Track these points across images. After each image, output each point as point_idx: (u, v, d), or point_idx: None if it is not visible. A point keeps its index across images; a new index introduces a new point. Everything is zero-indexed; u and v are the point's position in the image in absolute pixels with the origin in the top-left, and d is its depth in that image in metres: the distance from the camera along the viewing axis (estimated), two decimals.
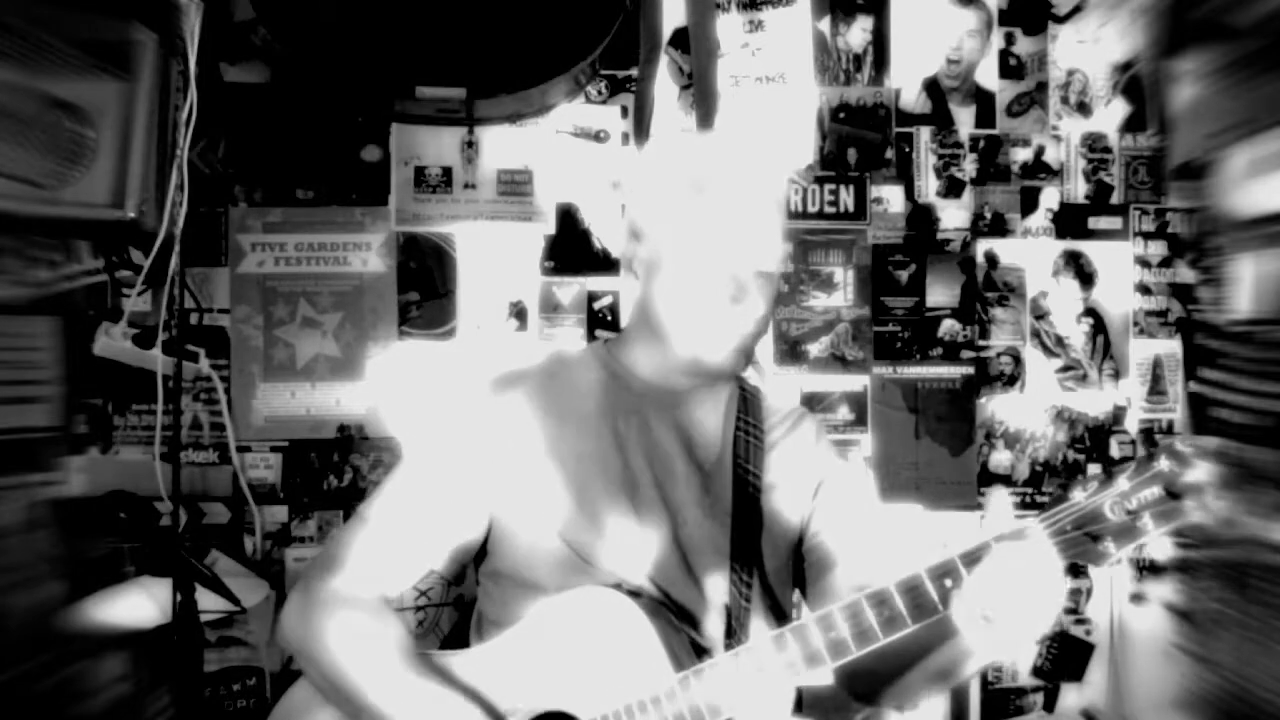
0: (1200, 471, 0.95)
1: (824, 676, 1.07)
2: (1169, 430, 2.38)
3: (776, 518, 1.26)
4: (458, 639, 1.32)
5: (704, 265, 1.17)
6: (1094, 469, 2.38)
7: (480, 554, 1.25)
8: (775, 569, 1.25)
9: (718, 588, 1.20)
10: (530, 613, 1.13)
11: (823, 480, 1.29)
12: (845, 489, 1.31)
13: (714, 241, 1.16)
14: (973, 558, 0.98)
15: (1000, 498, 2.36)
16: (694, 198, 1.17)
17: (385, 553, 1.17)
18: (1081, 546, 0.97)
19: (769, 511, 1.25)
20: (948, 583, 0.98)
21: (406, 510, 1.18)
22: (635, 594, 1.14)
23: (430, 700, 1.06)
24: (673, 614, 1.17)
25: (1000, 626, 0.94)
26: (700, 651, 1.17)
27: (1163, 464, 0.96)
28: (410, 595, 2.19)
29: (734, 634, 1.18)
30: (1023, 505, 2.36)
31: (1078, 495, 0.98)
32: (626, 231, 1.26)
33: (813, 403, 2.33)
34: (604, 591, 1.11)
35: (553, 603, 1.12)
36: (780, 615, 1.26)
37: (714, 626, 1.19)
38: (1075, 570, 0.97)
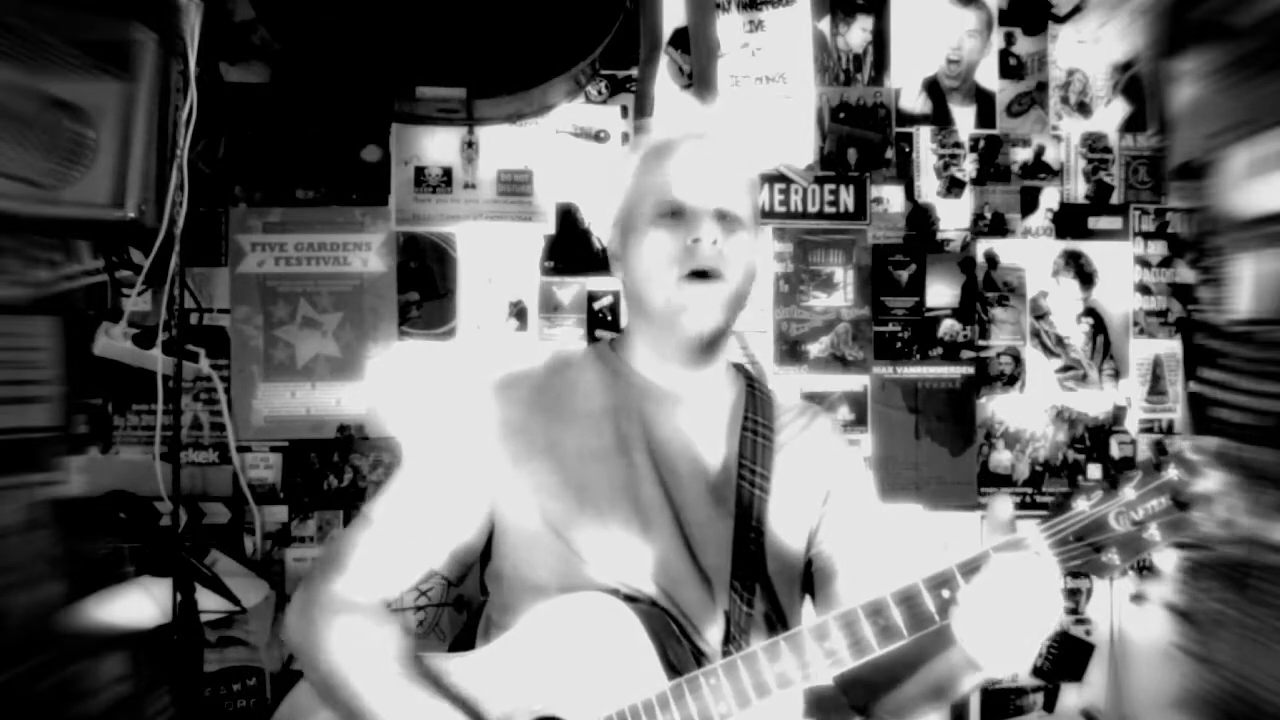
0: (1210, 480, 0.93)
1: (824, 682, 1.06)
2: (1169, 430, 2.38)
3: (783, 521, 1.23)
4: (465, 643, 1.32)
5: (651, 206, 1.21)
6: (1094, 469, 2.38)
7: (485, 557, 1.25)
8: (780, 572, 1.23)
9: (724, 591, 1.18)
10: (527, 616, 1.13)
11: (833, 485, 1.28)
12: (855, 497, 1.28)
13: (657, 181, 1.21)
14: (971, 567, 0.96)
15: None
16: (647, 163, 1.25)
17: (387, 555, 1.18)
18: (1084, 558, 0.95)
19: (775, 514, 1.23)
20: (945, 593, 0.96)
21: (408, 512, 1.19)
22: (634, 598, 1.13)
23: (420, 707, 1.07)
24: (674, 618, 1.15)
25: (998, 638, 0.92)
26: (701, 658, 1.15)
27: (1171, 472, 0.94)
28: (410, 595, 2.19)
29: (733, 640, 1.15)
30: (1023, 505, 2.36)
31: (1081, 504, 0.96)
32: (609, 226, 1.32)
33: (812, 403, 2.33)
34: (599, 597, 1.10)
35: (549, 607, 1.11)
36: (784, 621, 1.23)
37: (715, 633, 1.17)
38: (1075, 571, 0.96)
